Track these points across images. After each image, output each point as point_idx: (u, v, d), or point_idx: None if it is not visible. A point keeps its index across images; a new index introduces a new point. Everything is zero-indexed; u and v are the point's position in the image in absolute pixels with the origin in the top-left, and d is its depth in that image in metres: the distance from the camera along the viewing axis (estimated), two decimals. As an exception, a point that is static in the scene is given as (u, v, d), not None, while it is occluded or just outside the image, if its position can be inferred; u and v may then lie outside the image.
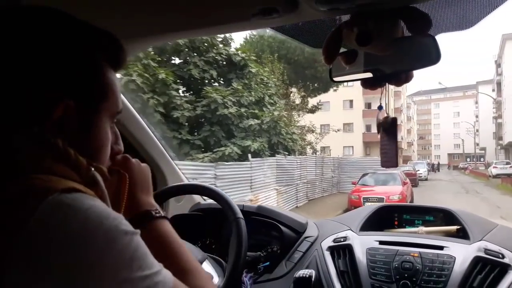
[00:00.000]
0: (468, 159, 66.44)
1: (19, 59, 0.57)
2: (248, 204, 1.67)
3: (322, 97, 38.79)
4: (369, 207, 1.71)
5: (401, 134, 51.57)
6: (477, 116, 72.66)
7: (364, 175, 14.86)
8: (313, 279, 1.27)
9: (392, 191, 12.11)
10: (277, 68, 17.71)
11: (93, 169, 0.61)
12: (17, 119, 0.57)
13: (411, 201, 12.89)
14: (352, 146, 41.41)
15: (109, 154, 0.70)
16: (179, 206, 1.82)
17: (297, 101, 21.77)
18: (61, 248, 0.48)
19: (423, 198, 15.89)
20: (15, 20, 0.60)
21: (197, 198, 1.86)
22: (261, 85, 14.56)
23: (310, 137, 21.50)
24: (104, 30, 0.66)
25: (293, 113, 19.58)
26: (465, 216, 1.54)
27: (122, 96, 1.47)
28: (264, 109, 14.05)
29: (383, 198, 11.47)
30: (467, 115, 75.98)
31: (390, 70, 0.85)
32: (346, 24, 0.82)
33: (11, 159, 0.55)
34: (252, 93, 13.74)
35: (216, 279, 1.15)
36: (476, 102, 73.39)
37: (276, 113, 14.04)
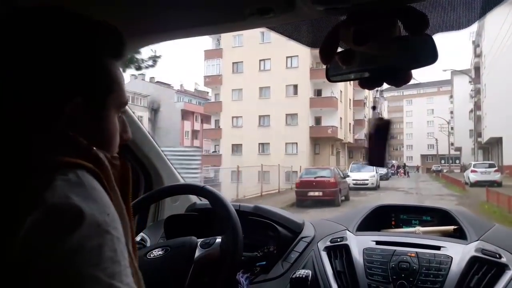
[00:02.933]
0: (443, 161, 59.30)
1: (27, 60, 0.60)
2: (244, 204, 1.66)
3: (262, 83, 33.75)
4: (366, 207, 1.70)
5: (365, 132, 42.47)
6: (452, 112, 64.75)
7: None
8: (309, 279, 1.27)
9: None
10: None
11: (95, 148, 0.63)
12: (33, 115, 0.60)
13: None
14: (296, 143, 32.21)
15: (118, 142, 0.74)
16: (176, 206, 1.81)
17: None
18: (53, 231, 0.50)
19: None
20: (19, 22, 0.61)
21: (193, 198, 1.85)
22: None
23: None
24: (106, 24, 0.68)
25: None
26: (462, 216, 1.54)
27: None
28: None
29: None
30: (441, 113, 66.07)
31: (387, 70, 0.85)
32: (343, 24, 0.81)
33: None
34: None
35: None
36: (451, 97, 64.91)
37: None
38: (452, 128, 60.09)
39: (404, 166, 46.63)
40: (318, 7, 0.79)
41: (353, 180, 21.44)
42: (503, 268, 1.22)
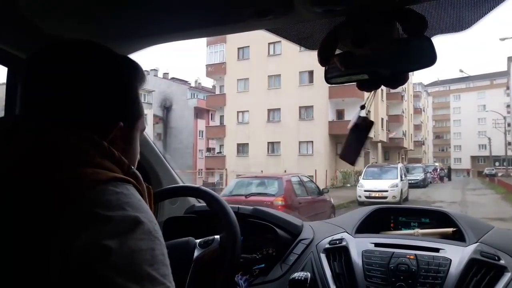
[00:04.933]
0: (497, 163, 51.02)
1: (81, 87, 0.67)
2: (243, 206, 1.66)
3: (271, 70, 27.25)
4: (365, 209, 1.70)
5: (403, 129, 38.04)
6: (508, 106, 53.28)
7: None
8: (308, 282, 1.27)
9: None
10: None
11: (133, 167, 0.70)
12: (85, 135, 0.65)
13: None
14: (312, 141, 26.40)
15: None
16: (174, 208, 1.80)
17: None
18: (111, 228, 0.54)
19: None
20: (79, 55, 0.69)
21: (192, 200, 1.85)
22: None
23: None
24: (135, 61, 0.78)
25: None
26: (461, 218, 1.53)
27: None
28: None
29: None
30: (495, 108, 52.62)
31: (385, 72, 0.85)
32: (342, 26, 0.81)
33: (60, 153, 0.61)
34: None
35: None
36: (508, 88, 52.14)
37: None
38: (509, 125, 49.47)
39: (449, 169, 40.16)
40: (317, 9, 0.79)
41: (366, 191, 15.87)
42: (501, 270, 1.23)
